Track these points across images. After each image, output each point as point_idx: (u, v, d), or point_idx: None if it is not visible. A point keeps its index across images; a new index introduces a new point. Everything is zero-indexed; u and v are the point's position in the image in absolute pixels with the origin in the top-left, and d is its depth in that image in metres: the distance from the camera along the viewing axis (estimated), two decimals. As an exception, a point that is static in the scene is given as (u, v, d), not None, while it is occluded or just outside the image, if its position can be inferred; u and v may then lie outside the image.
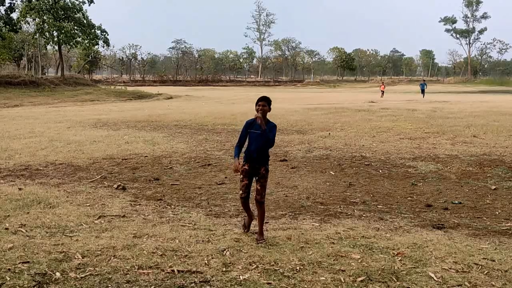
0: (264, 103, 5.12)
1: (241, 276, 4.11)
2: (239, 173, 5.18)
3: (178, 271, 4.20)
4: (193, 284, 3.96)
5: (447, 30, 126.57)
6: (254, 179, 5.25)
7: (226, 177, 8.75)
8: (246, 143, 5.26)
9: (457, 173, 9.15)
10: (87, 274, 4.11)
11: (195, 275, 4.14)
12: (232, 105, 29.56)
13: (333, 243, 5.04)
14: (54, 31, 55.05)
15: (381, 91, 44.41)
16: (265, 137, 5.04)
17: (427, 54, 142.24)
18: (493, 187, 8.09)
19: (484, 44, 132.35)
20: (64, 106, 30.79)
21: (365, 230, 5.57)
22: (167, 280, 4.03)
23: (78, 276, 4.07)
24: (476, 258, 4.61)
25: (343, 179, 8.71)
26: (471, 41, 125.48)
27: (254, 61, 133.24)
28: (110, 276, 4.08)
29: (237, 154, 5.26)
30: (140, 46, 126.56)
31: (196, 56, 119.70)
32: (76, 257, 4.50)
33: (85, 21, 55.84)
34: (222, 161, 10.32)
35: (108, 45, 61.96)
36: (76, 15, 55.39)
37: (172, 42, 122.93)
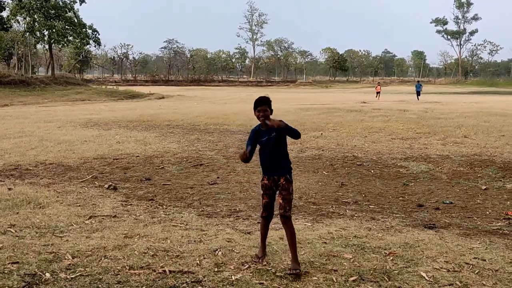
0: (265, 107, 4.36)
1: (233, 276, 4.09)
2: (244, 157, 4.33)
3: (170, 271, 4.17)
4: (184, 285, 3.93)
5: (438, 31, 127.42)
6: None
7: (218, 177, 8.72)
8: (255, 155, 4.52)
9: (448, 173, 9.19)
10: (77, 274, 4.07)
11: (187, 275, 4.11)
12: (225, 105, 29.54)
13: (325, 243, 5.04)
14: (45, 30, 54.72)
15: (377, 92, 41.96)
16: (273, 140, 4.37)
17: (419, 55, 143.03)
18: (484, 187, 8.13)
19: (475, 45, 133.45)
20: (55, 106, 30.58)
21: (357, 230, 5.57)
22: (159, 280, 4.01)
23: (68, 276, 4.03)
24: (467, 258, 4.62)
25: (335, 179, 8.72)
26: (462, 42, 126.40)
27: (247, 61, 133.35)
28: (100, 277, 4.04)
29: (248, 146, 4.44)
30: (132, 46, 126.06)
31: (188, 56, 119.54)
32: (66, 257, 4.45)
33: (76, 21, 55.57)
34: (214, 161, 10.29)
35: (99, 44, 61.85)
36: (67, 14, 55.08)
37: (164, 41, 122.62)
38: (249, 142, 4.45)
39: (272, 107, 4.41)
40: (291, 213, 4.41)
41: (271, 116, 4.40)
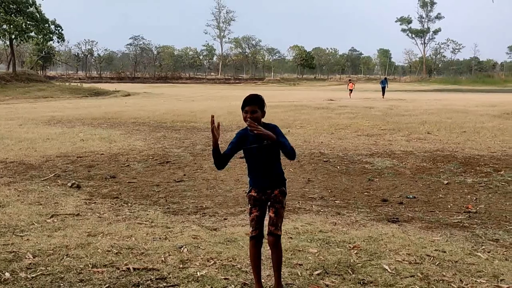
0: (254, 107, 3.55)
1: (198, 273, 4.07)
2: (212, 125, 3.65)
3: (134, 269, 4.12)
4: (149, 282, 3.89)
5: (403, 30, 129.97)
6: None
7: (184, 175, 8.66)
8: (246, 165, 3.89)
9: (412, 169, 9.39)
10: (38, 274, 3.97)
11: (151, 272, 4.07)
12: (192, 103, 29.32)
13: (291, 238, 5.07)
14: (5, 25, 52.95)
15: (349, 90, 39.14)
16: (267, 149, 3.60)
17: (384, 53, 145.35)
18: (446, 181, 8.35)
19: (438, 44, 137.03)
20: (16, 103, 29.71)
21: (322, 225, 5.63)
22: (122, 278, 3.95)
23: (28, 276, 3.93)
24: (428, 250, 4.74)
25: (302, 175, 8.78)
26: (426, 41, 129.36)
27: (214, 59, 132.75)
28: (62, 276, 3.95)
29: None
30: (97, 42, 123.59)
31: (155, 53, 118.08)
32: (27, 256, 4.33)
33: (38, 16, 54.00)
34: (181, 158, 10.21)
35: (62, 40, 60.12)
36: (28, 9, 53.46)
37: (130, 38, 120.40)
38: (229, 147, 3.70)
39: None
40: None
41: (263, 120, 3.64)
